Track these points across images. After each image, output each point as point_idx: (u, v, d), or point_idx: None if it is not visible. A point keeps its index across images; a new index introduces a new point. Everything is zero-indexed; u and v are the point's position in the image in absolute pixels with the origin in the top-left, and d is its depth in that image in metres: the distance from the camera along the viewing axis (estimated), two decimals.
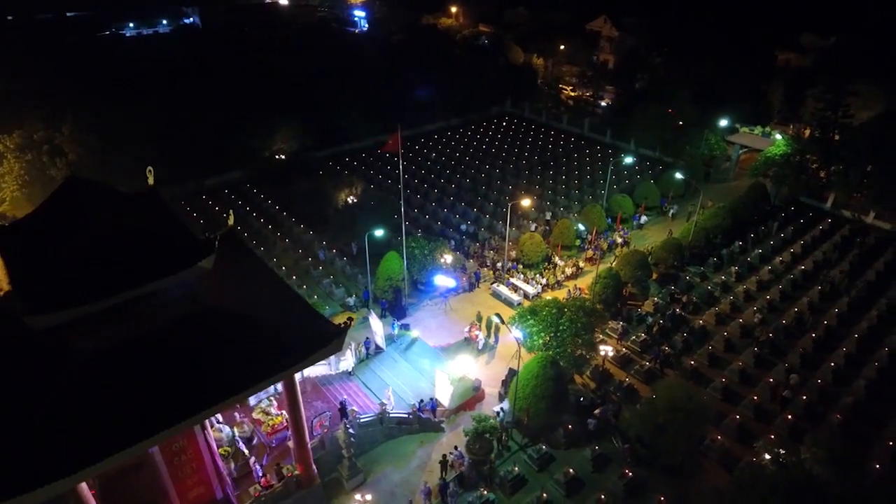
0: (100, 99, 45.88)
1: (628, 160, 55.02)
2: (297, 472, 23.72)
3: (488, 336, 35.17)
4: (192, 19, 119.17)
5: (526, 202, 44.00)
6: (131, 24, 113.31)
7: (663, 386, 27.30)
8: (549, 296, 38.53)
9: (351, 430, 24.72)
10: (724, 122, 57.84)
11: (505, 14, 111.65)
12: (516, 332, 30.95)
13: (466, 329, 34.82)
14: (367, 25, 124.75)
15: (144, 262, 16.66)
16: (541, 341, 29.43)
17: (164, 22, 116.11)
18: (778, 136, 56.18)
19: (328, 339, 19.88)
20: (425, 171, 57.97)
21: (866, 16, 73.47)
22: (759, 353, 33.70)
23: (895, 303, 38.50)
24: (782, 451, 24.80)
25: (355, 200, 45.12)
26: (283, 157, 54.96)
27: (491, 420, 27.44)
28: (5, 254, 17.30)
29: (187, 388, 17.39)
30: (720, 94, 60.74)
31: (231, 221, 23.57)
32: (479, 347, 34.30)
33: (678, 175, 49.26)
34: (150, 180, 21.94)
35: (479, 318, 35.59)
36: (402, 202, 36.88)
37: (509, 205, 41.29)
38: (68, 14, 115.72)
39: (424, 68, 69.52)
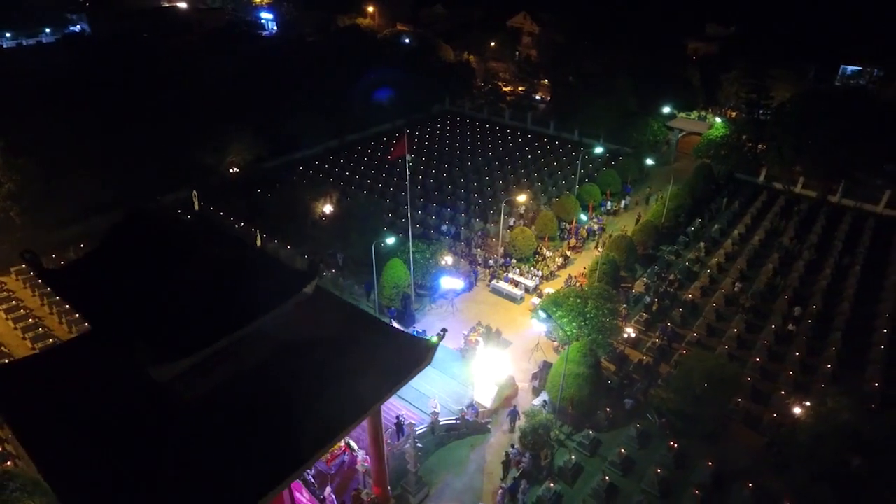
0: (29, 118, 40.65)
1: (598, 150, 57.18)
2: (374, 496, 22.84)
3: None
4: (79, 27, 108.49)
5: (522, 197, 44.64)
6: (8, 35, 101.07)
7: (694, 359, 28.97)
8: (545, 287, 39.62)
9: (419, 445, 24.14)
10: (666, 109, 61.80)
11: (421, 13, 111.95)
12: (540, 326, 31.68)
13: (465, 334, 34.21)
14: (276, 28, 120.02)
15: (254, 294, 15.31)
16: (571, 331, 30.19)
17: (48, 31, 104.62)
18: (718, 120, 61.03)
19: (423, 355, 19.29)
20: (386, 175, 57.04)
21: (764, 5, 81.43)
22: (746, 319, 36.70)
23: (840, 261, 43.50)
24: (807, 404, 27.22)
25: (333, 210, 43.41)
26: (237, 169, 51.78)
27: (542, 413, 27.80)
28: (76, 298, 15.32)
29: (302, 428, 16.19)
30: (651, 83, 64.68)
31: (259, 242, 22.17)
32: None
33: (649, 161, 52.18)
34: (196, 205, 20.09)
35: (480, 325, 35.29)
36: (408, 207, 36.18)
37: (504, 201, 41.77)
38: None
39: (358, 69, 68.11)
